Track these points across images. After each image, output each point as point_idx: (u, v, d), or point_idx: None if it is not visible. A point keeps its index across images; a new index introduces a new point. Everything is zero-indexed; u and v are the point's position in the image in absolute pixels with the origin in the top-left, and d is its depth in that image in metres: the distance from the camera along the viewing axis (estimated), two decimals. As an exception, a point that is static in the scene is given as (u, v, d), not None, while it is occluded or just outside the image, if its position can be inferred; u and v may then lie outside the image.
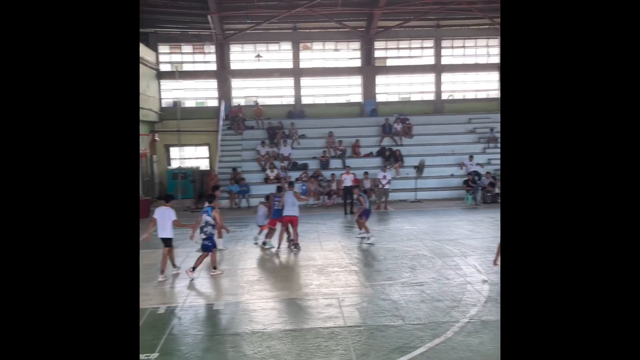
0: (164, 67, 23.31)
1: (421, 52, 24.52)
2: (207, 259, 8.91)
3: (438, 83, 24.45)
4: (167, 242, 8.92)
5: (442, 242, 11.05)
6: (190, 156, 23.59)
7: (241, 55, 23.99)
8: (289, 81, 24.08)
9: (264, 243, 11.03)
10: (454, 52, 24.61)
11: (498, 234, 10.82)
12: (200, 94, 24.19)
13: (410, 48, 24.52)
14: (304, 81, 24.17)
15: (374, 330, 6.05)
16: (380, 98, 24.34)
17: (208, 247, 8.78)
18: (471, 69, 24.74)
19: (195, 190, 19.38)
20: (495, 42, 24.48)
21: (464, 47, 24.63)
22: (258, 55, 23.40)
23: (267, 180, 19.16)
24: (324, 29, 23.67)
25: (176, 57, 23.74)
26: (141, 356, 5.31)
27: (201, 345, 5.78)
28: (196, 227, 8.87)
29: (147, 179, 19.83)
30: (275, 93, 24.37)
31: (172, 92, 23.32)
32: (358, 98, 24.41)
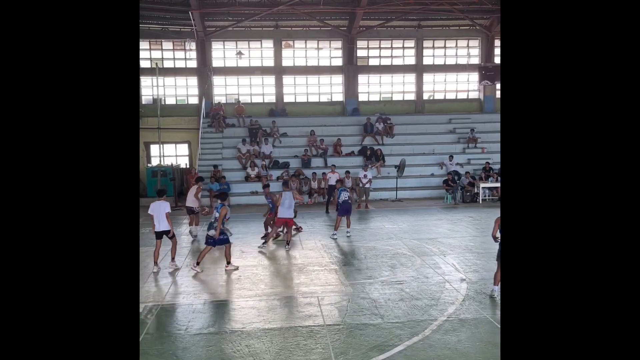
0: (144, 64, 23.04)
1: (402, 52, 24.66)
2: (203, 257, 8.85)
3: (419, 83, 24.62)
4: (165, 234, 9.12)
5: (422, 241, 11.13)
6: (170, 154, 23.36)
7: (222, 53, 23.83)
8: (271, 79, 24.01)
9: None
10: (435, 52, 24.81)
11: (477, 233, 10.97)
12: (180, 91, 23.96)
13: (391, 48, 24.64)
14: (286, 79, 24.12)
15: (353, 329, 6.07)
16: (362, 97, 24.42)
17: (224, 240, 8.95)
18: (452, 70, 24.97)
19: (175, 188, 19.21)
20: (476, 43, 24.75)
21: (444, 47, 24.83)
22: (239, 53, 23.27)
23: (247, 179, 19.10)
24: (306, 28, 23.66)
25: (156, 54, 23.48)
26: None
27: (179, 344, 5.73)
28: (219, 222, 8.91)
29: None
30: (257, 91, 24.27)
31: (152, 88, 23.07)
32: (340, 97, 24.46)
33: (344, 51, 24.01)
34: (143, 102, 23.12)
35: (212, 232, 8.90)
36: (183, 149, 23.72)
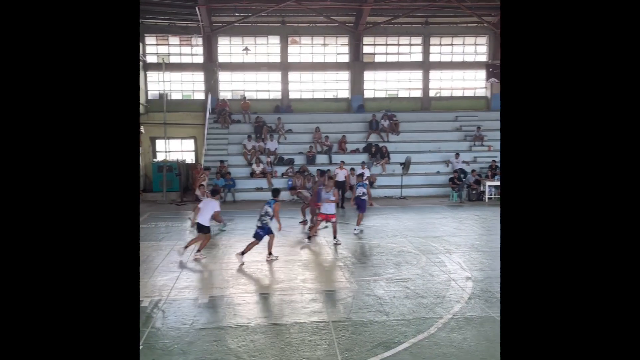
0: (151, 59, 23.07)
1: (409, 49, 24.57)
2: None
3: (425, 80, 24.53)
4: (204, 229, 9.60)
5: (427, 239, 11.11)
6: (176, 149, 23.41)
7: (229, 49, 23.82)
8: (277, 75, 23.99)
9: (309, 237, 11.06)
10: (442, 49, 24.70)
11: (482, 231, 10.93)
12: (186, 86, 23.98)
13: (398, 44, 24.56)
14: (292, 76, 24.09)
15: (358, 326, 6.06)
16: (367, 94, 24.37)
17: (260, 235, 9.30)
18: (459, 67, 24.86)
19: (180, 184, 19.25)
20: (484, 40, 24.63)
21: (452, 44, 24.72)
22: (246, 49, 23.26)
23: (253, 175, 19.11)
24: (313, 24, 23.60)
25: (163, 49, 23.50)
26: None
27: (185, 339, 5.75)
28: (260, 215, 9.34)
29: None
30: (263, 87, 24.27)
31: (158, 84, 23.10)
32: (345, 94, 24.41)
33: (350, 47, 23.95)
34: (149, 97, 23.17)
35: (261, 223, 9.32)
36: (189, 144, 23.76)
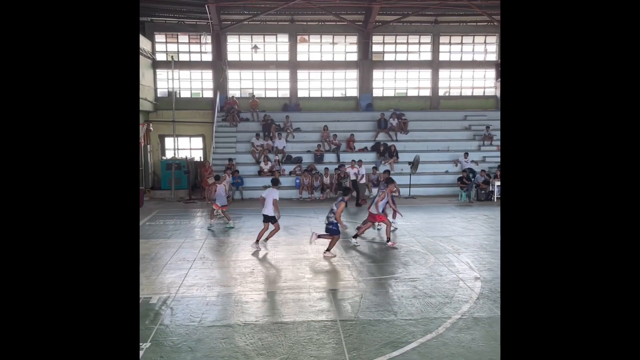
0: (160, 57, 23.16)
1: (418, 48, 24.47)
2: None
3: (435, 79, 24.43)
4: (269, 219, 10.02)
5: (436, 239, 11.07)
6: (185, 147, 23.49)
7: (238, 47, 23.86)
8: (285, 74, 23.98)
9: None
10: (452, 48, 24.59)
11: (491, 231, 10.87)
12: (195, 84, 24.05)
13: (407, 43, 24.47)
14: (300, 74, 24.08)
15: (366, 325, 6.05)
16: (376, 93, 24.30)
17: (333, 230, 9.62)
18: (468, 66, 24.73)
19: (189, 181, 19.31)
20: (493, 39, 24.49)
21: (461, 43, 24.60)
22: (255, 47, 23.28)
23: (260, 173, 19.13)
24: (322, 22, 23.57)
25: (172, 47, 23.58)
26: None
27: (193, 336, 5.76)
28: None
29: (141, 169, 19.74)
30: (271, 86, 24.28)
31: (167, 82, 23.18)
32: (354, 92, 24.37)
33: (359, 46, 23.89)
34: (158, 95, 23.26)
35: (328, 221, 9.73)
36: (197, 142, 23.83)
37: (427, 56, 24.39)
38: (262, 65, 23.81)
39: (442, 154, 20.56)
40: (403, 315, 6.36)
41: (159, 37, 23.37)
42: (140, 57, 20.53)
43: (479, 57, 24.72)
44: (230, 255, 9.73)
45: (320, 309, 6.63)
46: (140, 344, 5.46)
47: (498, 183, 17.47)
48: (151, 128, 21.63)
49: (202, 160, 22.77)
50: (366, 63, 23.75)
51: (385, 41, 24.38)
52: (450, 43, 24.52)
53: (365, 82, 23.86)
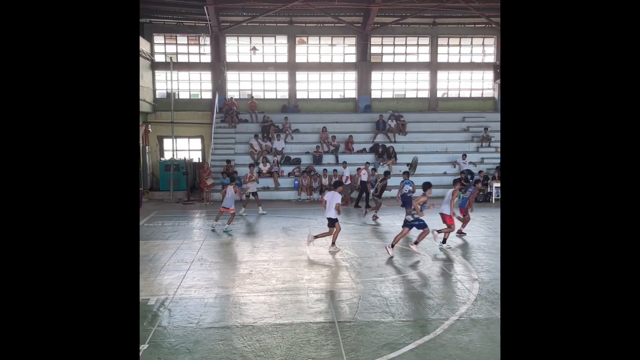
0: (159, 58, 23.16)
1: (417, 50, 24.52)
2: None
3: (433, 81, 24.48)
4: (331, 221, 10.10)
5: (433, 240, 11.07)
6: (183, 148, 23.49)
7: (236, 48, 23.88)
8: (284, 75, 24.01)
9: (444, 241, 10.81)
10: (450, 50, 24.63)
11: (489, 232, 10.89)
12: (194, 85, 24.06)
13: (406, 45, 24.51)
14: (299, 75, 24.11)
15: (364, 326, 6.06)
16: (374, 94, 24.35)
17: (421, 224, 9.84)
18: (466, 68, 24.78)
19: (187, 183, 19.31)
20: (492, 41, 24.53)
21: (459, 45, 24.65)
22: (254, 49, 23.30)
23: (260, 174, 19.14)
24: (320, 24, 23.61)
25: (171, 48, 23.59)
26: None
27: (191, 338, 5.77)
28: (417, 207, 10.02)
29: (140, 170, 19.75)
30: (270, 87, 24.30)
31: (166, 83, 23.19)
32: (352, 94, 24.40)
33: (358, 48, 23.93)
34: (157, 96, 23.27)
35: (412, 217, 9.88)
36: (196, 143, 23.84)
37: (425, 58, 24.44)
38: (261, 67, 23.83)
39: (441, 155, 20.60)
40: (401, 317, 6.37)
41: (158, 39, 23.38)
42: (139, 58, 20.54)
43: (477, 59, 24.77)
44: (229, 257, 9.73)
45: (318, 311, 6.63)
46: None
47: (496, 184, 17.49)
48: (150, 129, 21.63)
49: (200, 161, 22.77)
50: (364, 64, 23.79)
51: (383, 43, 24.42)
52: (448, 45, 24.57)
53: (363, 84, 23.89)
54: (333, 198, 10.13)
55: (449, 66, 24.61)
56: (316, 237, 10.24)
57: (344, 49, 24.25)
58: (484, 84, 24.92)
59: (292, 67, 23.87)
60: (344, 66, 24.20)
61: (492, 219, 14.01)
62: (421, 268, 8.71)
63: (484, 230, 12.34)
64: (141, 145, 20.27)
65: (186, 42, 23.75)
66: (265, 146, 20.35)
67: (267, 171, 19.08)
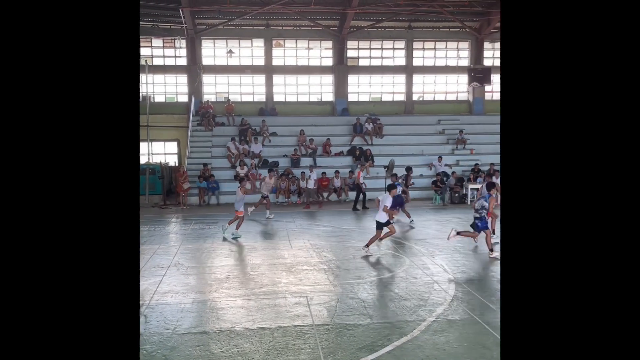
0: (133, 61, 22.85)
1: (393, 53, 24.74)
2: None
3: (409, 84, 24.73)
4: (378, 225, 10.07)
5: (410, 242, 11.18)
6: (159, 152, 23.21)
7: (213, 51, 23.74)
8: (261, 78, 23.96)
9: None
10: (425, 53, 24.93)
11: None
12: (170, 88, 23.82)
13: (382, 48, 24.72)
14: (276, 79, 24.09)
15: (342, 329, 6.08)
16: (351, 97, 24.47)
17: (477, 226, 9.87)
18: (441, 71, 25.11)
19: (163, 186, 19.09)
20: (466, 45, 24.91)
21: (434, 49, 24.96)
22: (230, 52, 23.19)
23: (237, 178, 19.03)
24: (297, 27, 23.64)
25: (146, 51, 23.31)
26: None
27: (167, 344, 5.70)
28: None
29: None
30: (247, 90, 24.21)
31: (141, 86, 22.90)
32: (330, 97, 24.48)
33: (335, 51, 24.03)
34: (132, 100, 22.95)
35: (479, 215, 9.88)
36: (172, 147, 23.58)
37: (401, 61, 24.69)
38: (238, 70, 23.74)
39: (417, 158, 20.79)
40: (378, 319, 6.41)
41: (132, 41, 23.07)
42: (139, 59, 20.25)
43: (452, 63, 25.11)
44: (206, 261, 9.65)
45: (296, 314, 6.63)
46: (114, 352, 5.37)
47: (471, 186, 17.74)
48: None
49: (176, 165, 22.54)
50: (341, 68, 23.90)
51: (360, 46, 24.58)
52: (424, 49, 24.87)
53: (340, 87, 23.99)
54: (383, 201, 10.09)
55: (424, 69, 24.90)
56: (367, 245, 10.09)
57: (321, 52, 24.32)
58: (458, 87, 25.27)
59: (269, 70, 23.84)
60: (321, 69, 24.27)
61: (468, 220, 14.15)
62: (398, 270, 8.77)
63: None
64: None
65: (161, 45, 23.51)
66: (242, 149, 20.26)
67: (245, 174, 18.97)
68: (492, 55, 25.18)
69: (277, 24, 23.55)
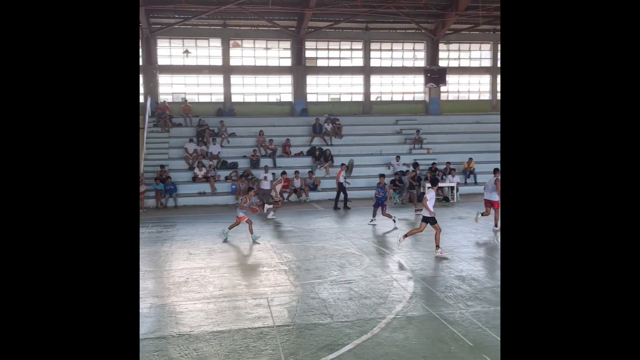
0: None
1: (350, 54, 24.95)
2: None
3: (367, 84, 24.99)
4: (427, 219, 10.02)
5: (370, 241, 11.31)
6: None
7: (169, 51, 23.31)
8: (219, 79, 23.70)
9: None
10: (382, 54, 25.26)
11: (424, 231, 11.20)
12: (124, 89, 23.22)
13: (340, 49, 24.88)
14: (234, 79, 23.88)
15: (303, 329, 6.09)
16: (310, 98, 24.52)
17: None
18: (398, 72, 25.49)
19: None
20: (422, 46, 25.38)
21: (391, 50, 25.32)
22: (186, 51, 22.83)
23: (195, 179, 18.76)
24: (255, 27, 23.50)
25: (98, 50, 22.66)
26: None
27: (124, 351, 5.56)
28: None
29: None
30: (205, 90, 23.90)
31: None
32: (289, 97, 24.46)
33: (293, 52, 24.03)
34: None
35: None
36: (127, 148, 23.01)
37: (359, 62, 24.92)
38: (195, 70, 23.41)
39: (375, 158, 21.04)
40: (339, 318, 6.45)
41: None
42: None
43: (409, 64, 25.53)
44: (164, 265, 9.47)
45: (256, 316, 6.59)
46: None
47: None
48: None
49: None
50: (300, 68, 23.91)
51: (318, 47, 24.67)
52: (381, 49, 25.19)
53: (299, 88, 24.01)
54: (428, 197, 10.13)
55: (381, 70, 25.22)
56: (406, 235, 10.40)
57: (279, 53, 24.27)
58: (415, 88, 25.72)
59: (227, 70, 23.60)
60: (279, 70, 24.22)
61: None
62: (358, 268, 8.85)
63: (418, 229, 12.70)
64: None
65: (115, 44, 22.90)
66: (200, 150, 19.98)
67: (203, 176, 18.73)
68: (447, 56, 25.76)
69: (235, 24, 23.35)
